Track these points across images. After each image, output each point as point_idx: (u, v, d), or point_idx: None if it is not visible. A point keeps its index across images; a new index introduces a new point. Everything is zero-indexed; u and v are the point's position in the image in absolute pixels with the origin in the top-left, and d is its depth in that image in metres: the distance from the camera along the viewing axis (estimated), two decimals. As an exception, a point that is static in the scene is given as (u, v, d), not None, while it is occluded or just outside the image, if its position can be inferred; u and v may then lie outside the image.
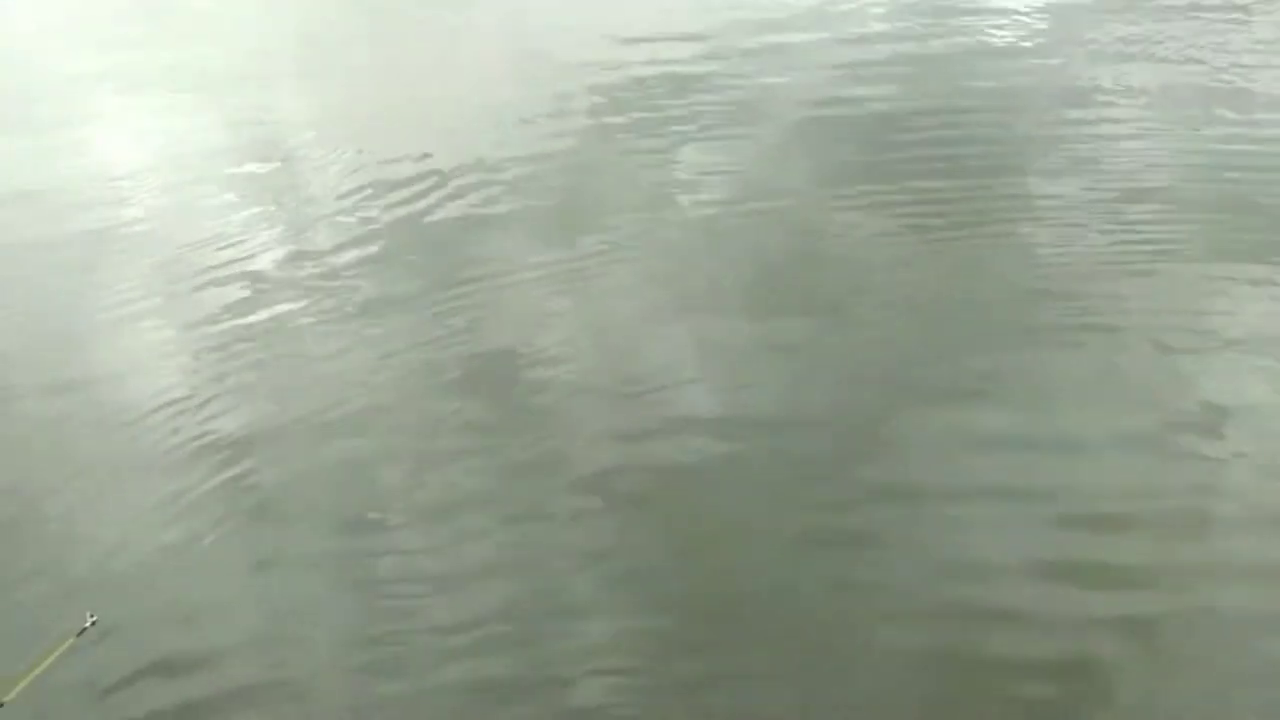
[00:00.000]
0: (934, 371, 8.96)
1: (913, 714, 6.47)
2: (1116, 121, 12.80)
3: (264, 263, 11.56)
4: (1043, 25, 16.04)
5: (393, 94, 15.71)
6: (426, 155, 13.43)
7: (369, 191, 12.80)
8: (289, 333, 10.37)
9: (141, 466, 8.77)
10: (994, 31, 15.99)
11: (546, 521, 7.97)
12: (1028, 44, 15.47)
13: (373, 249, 11.63)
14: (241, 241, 11.99)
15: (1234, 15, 15.76)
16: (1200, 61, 14.26)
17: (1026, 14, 16.53)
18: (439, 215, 12.18)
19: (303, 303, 10.77)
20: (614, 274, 10.82)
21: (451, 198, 12.50)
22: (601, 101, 14.73)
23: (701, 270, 10.74)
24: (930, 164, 12.11)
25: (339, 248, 11.68)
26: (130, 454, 8.91)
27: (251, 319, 10.61)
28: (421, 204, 12.42)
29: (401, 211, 12.31)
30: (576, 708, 6.69)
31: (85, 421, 9.37)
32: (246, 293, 11.03)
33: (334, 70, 17.03)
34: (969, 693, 6.51)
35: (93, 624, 6.60)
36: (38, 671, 6.29)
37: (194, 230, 12.30)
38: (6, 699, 6.11)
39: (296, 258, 11.60)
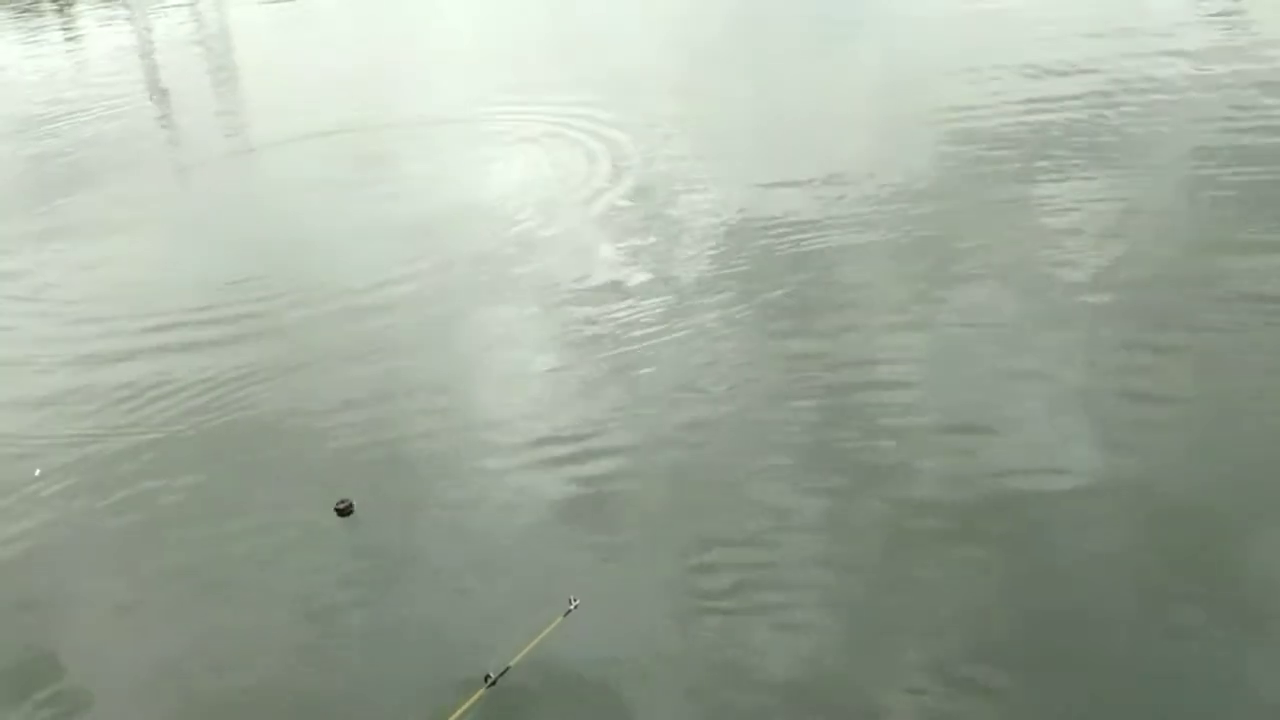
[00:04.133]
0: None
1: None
2: None
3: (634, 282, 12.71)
4: None
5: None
6: (797, 187, 14.16)
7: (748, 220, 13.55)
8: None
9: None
10: None
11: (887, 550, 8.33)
12: None
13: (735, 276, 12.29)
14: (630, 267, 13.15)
15: None
16: None
17: None
18: (813, 246, 12.73)
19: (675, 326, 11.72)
20: (976, 311, 11.18)
21: (834, 229, 13.07)
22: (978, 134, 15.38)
23: (1078, 313, 10.82)
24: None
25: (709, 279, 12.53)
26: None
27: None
28: (790, 237, 13.09)
29: (770, 242, 12.99)
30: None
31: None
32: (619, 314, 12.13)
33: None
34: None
35: (575, 606, 7.55)
36: (535, 642, 7.35)
37: (571, 253, 13.69)
38: (511, 663, 7.25)
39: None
